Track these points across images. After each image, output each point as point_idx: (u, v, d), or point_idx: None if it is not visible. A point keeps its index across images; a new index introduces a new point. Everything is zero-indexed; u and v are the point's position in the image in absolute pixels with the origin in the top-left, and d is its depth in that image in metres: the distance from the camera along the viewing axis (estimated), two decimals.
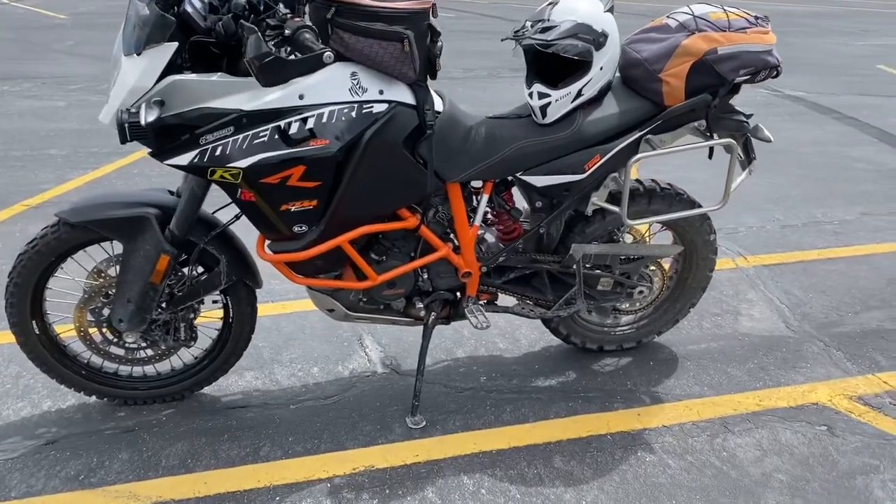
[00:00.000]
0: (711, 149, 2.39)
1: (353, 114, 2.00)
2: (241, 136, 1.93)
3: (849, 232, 4.02)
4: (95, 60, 8.31)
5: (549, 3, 2.24)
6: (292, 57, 1.81)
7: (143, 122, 1.80)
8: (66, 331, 2.43)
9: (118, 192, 2.24)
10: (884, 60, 9.16)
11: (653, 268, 2.65)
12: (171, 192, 2.28)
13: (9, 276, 2.22)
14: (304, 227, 2.11)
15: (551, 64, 2.25)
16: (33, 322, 2.29)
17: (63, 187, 4.44)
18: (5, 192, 4.30)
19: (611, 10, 2.25)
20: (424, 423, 2.44)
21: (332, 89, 1.97)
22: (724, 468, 2.27)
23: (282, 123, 1.93)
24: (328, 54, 1.73)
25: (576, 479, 2.22)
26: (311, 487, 2.16)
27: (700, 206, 2.54)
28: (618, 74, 2.37)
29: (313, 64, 1.74)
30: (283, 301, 3.15)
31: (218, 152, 1.93)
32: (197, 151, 1.93)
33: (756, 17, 2.28)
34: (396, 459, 2.28)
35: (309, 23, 1.79)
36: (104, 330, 2.32)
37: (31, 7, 12.63)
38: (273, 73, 1.72)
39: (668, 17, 2.33)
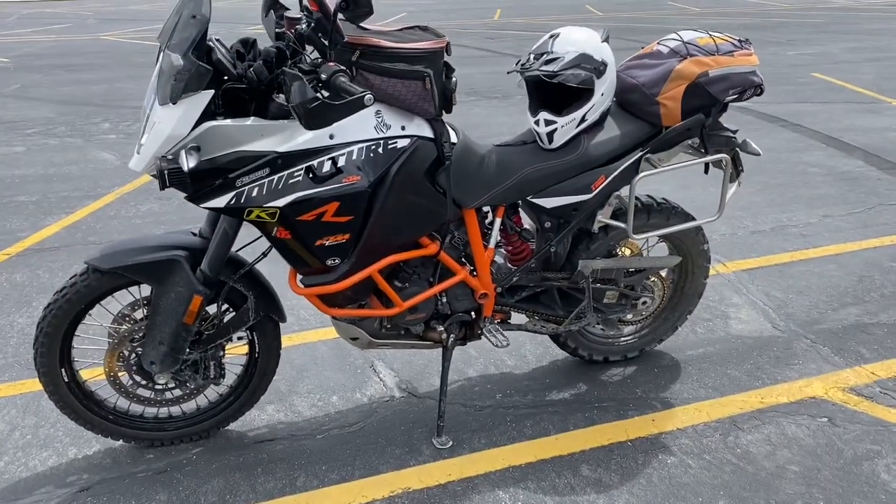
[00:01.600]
0: (707, 165, 2.56)
1: (380, 150, 2.09)
2: (276, 177, 2.00)
3: (814, 234, 4.25)
4: (46, 103, 8.20)
5: (551, 36, 2.37)
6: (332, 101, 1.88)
7: (185, 168, 1.85)
8: (92, 376, 2.45)
9: (143, 237, 2.27)
10: (817, 69, 9.61)
11: (654, 279, 2.79)
12: (194, 234, 2.33)
13: (38, 327, 2.23)
14: (336, 260, 2.18)
15: (555, 92, 2.38)
16: (62, 370, 2.30)
17: (41, 234, 4.39)
18: None
19: (606, 40, 2.40)
20: (451, 442, 2.52)
21: (360, 128, 2.07)
22: (741, 464, 2.40)
23: (314, 163, 2.01)
24: (368, 97, 1.80)
25: (605, 486, 2.32)
26: None
27: (694, 219, 2.69)
28: (614, 99, 2.51)
29: (356, 106, 1.81)
30: (289, 334, 3.20)
31: (255, 193, 1.99)
32: (234, 193, 1.99)
33: (739, 41, 2.45)
34: (431, 480, 2.36)
35: (343, 67, 1.87)
36: (134, 373, 2.34)
37: None
38: (319, 117, 1.78)
39: (658, 43, 2.49)
